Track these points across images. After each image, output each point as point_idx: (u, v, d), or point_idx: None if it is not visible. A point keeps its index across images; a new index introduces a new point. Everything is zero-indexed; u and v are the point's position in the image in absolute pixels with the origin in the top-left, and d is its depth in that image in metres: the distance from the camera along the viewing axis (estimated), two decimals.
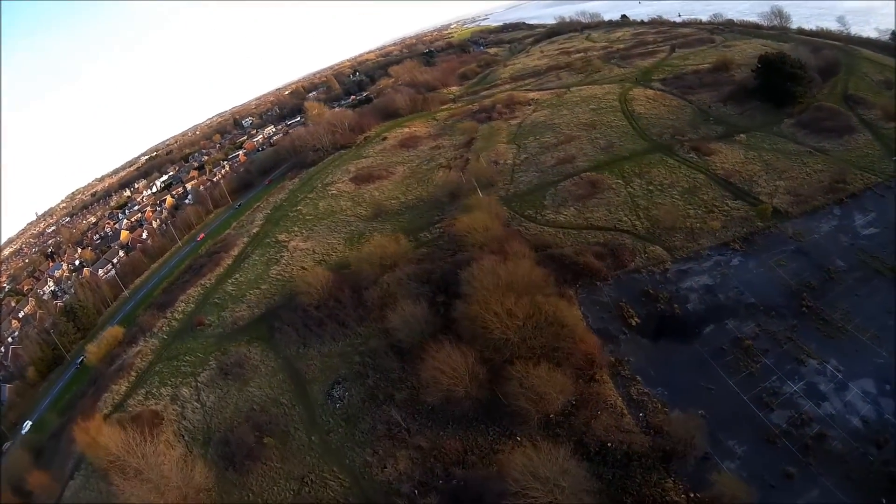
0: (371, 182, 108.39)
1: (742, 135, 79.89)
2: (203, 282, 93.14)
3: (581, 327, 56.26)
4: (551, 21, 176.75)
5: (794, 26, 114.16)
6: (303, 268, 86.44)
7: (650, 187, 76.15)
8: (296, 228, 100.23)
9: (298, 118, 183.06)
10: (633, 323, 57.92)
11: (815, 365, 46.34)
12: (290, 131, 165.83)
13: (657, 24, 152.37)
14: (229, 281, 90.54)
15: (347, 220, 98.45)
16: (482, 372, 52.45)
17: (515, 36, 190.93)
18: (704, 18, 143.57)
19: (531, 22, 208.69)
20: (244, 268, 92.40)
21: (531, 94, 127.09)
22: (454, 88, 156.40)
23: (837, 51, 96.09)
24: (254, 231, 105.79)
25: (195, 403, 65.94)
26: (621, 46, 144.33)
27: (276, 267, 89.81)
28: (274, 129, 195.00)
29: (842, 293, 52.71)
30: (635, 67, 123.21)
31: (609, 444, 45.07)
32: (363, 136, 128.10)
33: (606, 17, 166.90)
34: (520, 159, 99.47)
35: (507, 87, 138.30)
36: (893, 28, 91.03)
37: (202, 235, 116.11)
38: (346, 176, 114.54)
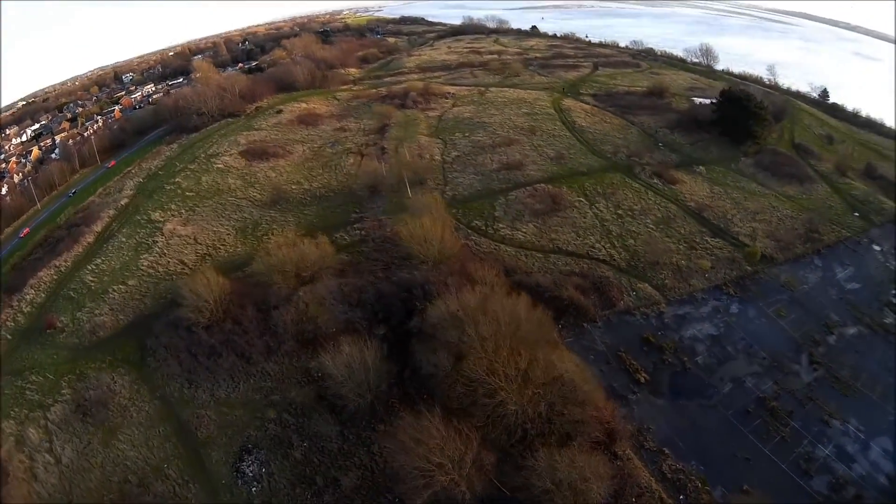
0: (265, 159, 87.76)
1: (701, 167, 77.09)
2: (58, 263, 69.54)
3: (592, 387, 44.51)
4: (453, 21, 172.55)
5: (720, 67, 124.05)
6: (182, 262, 63.69)
7: (619, 211, 67.99)
8: (173, 206, 76.80)
9: (182, 80, 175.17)
10: (642, 379, 48.62)
11: (839, 426, 44.64)
12: (173, 91, 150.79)
13: (571, 40, 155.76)
14: (89, 267, 67.40)
15: (238, 203, 76.59)
16: (490, 460, 36.62)
17: (415, 29, 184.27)
18: (622, 44, 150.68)
19: (430, 19, 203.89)
20: (108, 251, 70.32)
21: (448, 88, 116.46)
22: (354, 70, 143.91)
23: (781, 99, 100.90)
24: (122, 203, 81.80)
25: (47, 456, 45.47)
26: (538, 55, 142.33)
27: (147, 255, 67.60)
28: (154, 88, 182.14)
29: (844, 348, 52.57)
30: (558, 78, 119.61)
31: None
32: (255, 106, 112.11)
33: (514, 26, 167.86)
34: (450, 157, 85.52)
35: (416, 76, 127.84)
36: (824, 87, 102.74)
37: (26, 231, 79.85)
38: (234, 148, 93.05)
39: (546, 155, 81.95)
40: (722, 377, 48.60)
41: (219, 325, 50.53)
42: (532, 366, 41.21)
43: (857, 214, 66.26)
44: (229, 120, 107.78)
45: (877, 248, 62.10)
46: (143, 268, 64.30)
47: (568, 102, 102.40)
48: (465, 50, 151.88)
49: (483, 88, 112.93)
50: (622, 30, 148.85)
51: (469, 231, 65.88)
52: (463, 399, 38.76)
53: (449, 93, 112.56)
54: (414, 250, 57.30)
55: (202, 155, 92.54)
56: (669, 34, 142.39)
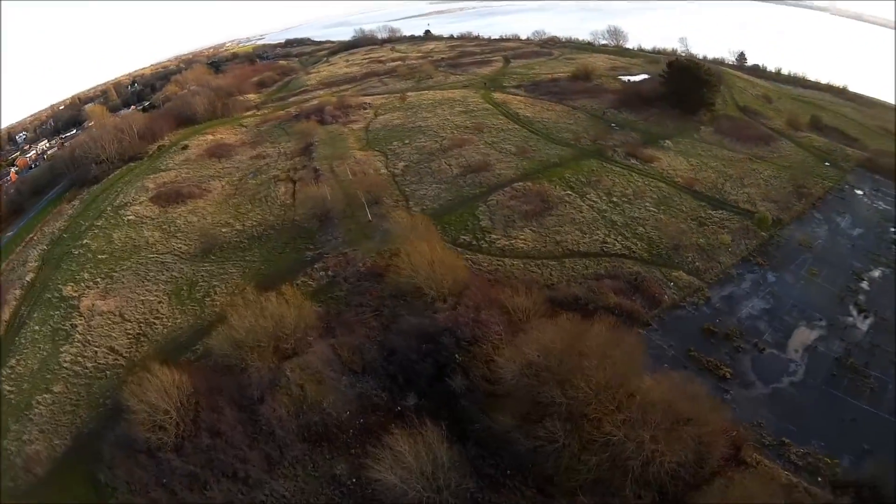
0: (181, 202, 73.89)
1: (667, 141, 75.46)
2: None
3: (706, 399, 38.18)
4: (340, 37, 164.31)
5: (630, 45, 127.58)
6: (112, 350, 48.53)
7: (614, 199, 63.05)
8: (86, 275, 62.66)
9: (76, 130, 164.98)
10: (727, 375, 43.28)
11: None
12: (67, 144, 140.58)
13: (471, 38, 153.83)
14: (3, 372, 50.63)
15: (162, 260, 61.87)
16: None
17: (304, 50, 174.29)
18: (523, 36, 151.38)
19: (316, 38, 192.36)
20: (22, 345, 54.22)
21: (363, 98, 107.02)
22: (252, 95, 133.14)
23: (714, 67, 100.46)
24: (27, 279, 65.95)
25: None
26: (444, 56, 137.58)
27: (67, 347, 52.01)
28: (48, 144, 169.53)
29: (878, 291, 51.70)
30: (474, 75, 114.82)
31: None
32: (157, 145, 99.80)
33: (407, 33, 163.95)
34: (397, 168, 75.78)
35: (322, 92, 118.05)
36: (741, 51, 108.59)
37: None
38: (143, 195, 78.22)
39: (507, 151, 75.60)
40: (795, 349, 46.12)
41: (192, 440, 36.22)
42: (648, 401, 33.98)
43: (828, 164, 68.89)
44: (132, 164, 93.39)
45: (859, 192, 64.51)
46: (65, 365, 48.43)
47: (499, 96, 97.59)
48: (366, 61, 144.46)
49: (401, 94, 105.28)
50: (509, 26, 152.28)
51: (458, 249, 56.90)
52: (596, 469, 29.94)
53: (366, 103, 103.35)
54: (418, 285, 46.98)
55: (108, 208, 76.63)
56: (562, 24, 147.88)
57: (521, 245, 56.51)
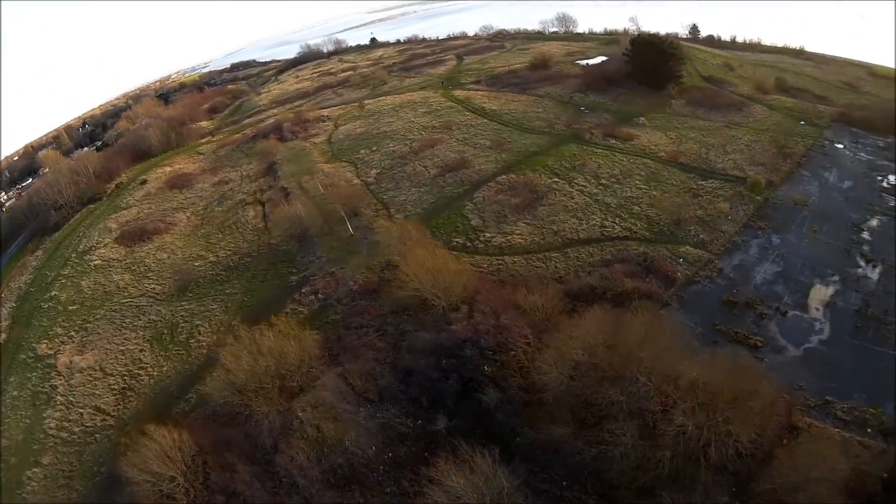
0: (147, 240, 68.62)
1: (641, 118, 74.71)
2: None
3: (757, 370, 36.22)
4: (283, 56, 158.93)
5: (581, 30, 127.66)
6: (99, 410, 43.47)
7: (603, 182, 61.12)
8: (59, 330, 56.86)
9: (31, 179, 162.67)
10: (758, 343, 41.70)
11: None
12: (24, 193, 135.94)
13: (418, 41, 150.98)
14: None
15: (136, 304, 56.60)
16: None
17: (250, 72, 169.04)
18: (471, 33, 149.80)
19: (261, 59, 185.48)
20: (3, 414, 48.54)
21: (320, 112, 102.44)
22: (205, 122, 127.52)
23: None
24: None
25: None
26: (395, 61, 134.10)
27: (51, 412, 46.42)
28: (6, 196, 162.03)
29: (879, 239, 51.96)
30: (429, 76, 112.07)
31: None
32: (115, 184, 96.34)
33: (352, 44, 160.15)
34: (370, 177, 71.85)
35: (275, 110, 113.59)
36: (694, 24, 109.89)
37: None
38: (107, 236, 72.81)
39: (482, 146, 72.85)
40: (816, 307, 45.52)
41: None
42: (709, 384, 31.60)
43: (803, 123, 69.49)
44: (91, 206, 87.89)
45: (840, 146, 65.34)
46: (51, 432, 43.19)
47: (461, 93, 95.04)
48: (316, 75, 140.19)
49: (359, 103, 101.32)
50: (454, 25, 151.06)
51: (453, 252, 53.48)
52: (670, 463, 27.07)
53: (325, 116, 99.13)
54: (423, 296, 43.20)
55: (73, 255, 70.73)
56: (508, 17, 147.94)
57: (519, 240, 53.68)
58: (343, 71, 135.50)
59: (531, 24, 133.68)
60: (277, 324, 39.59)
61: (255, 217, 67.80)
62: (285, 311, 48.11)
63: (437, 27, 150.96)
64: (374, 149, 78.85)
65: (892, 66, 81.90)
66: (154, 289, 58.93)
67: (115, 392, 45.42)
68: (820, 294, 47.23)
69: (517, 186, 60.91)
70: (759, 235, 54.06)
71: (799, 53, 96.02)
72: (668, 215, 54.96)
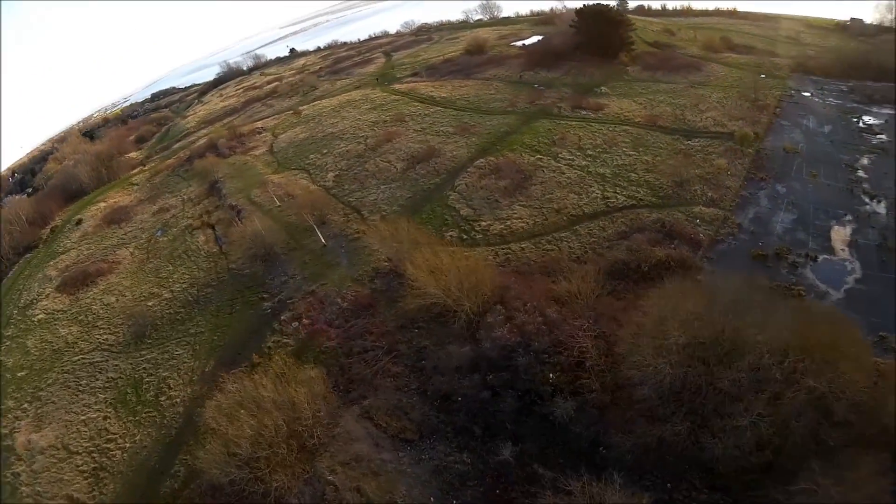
0: (91, 283, 58.26)
1: (602, 87, 70.74)
2: None
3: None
4: (203, 80, 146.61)
5: (506, 14, 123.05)
6: (72, 499, 33.75)
7: (590, 153, 55.56)
8: (11, 403, 45.72)
9: None
10: (800, 293, 37.93)
11: None
12: None
13: (339, 45, 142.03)
14: None
15: (90, 360, 45.77)
16: None
17: (172, 99, 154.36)
18: (392, 31, 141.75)
19: (181, 86, 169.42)
20: None
21: (255, 124, 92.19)
22: (134, 154, 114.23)
23: None
24: None
25: None
26: (321, 67, 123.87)
27: None
28: None
29: (876, 175, 50.58)
30: (361, 75, 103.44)
31: None
32: (49, 228, 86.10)
33: (272, 57, 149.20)
34: (328, 181, 62.55)
35: (205, 130, 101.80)
36: None
37: None
38: (48, 286, 61.17)
39: (445, 133, 65.64)
40: (842, 248, 43.25)
41: None
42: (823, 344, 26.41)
43: (763, 76, 68.60)
44: (28, 256, 74.93)
45: (807, 94, 64.84)
46: None
47: (401, 87, 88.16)
48: (240, 91, 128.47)
49: (293, 110, 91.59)
50: (371, 28, 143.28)
51: (451, 248, 46.73)
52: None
53: (260, 128, 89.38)
54: (437, 302, 35.16)
55: (14, 311, 58.61)
56: (427, 12, 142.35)
57: (521, 224, 47.14)
58: (268, 83, 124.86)
59: (452, 15, 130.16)
60: (271, 365, 30.38)
61: (206, 242, 57.49)
62: (267, 345, 38.80)
63: (352, 33, 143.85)
64: (325, 152, 69.80)
65: (825, 16, 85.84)
66: (107, 339, 47.92)
67: (85, 474, 34.83)
68: (841, 235, 45.45)
69: (500, 168, 54.48)
70: (764, 186, 51.33)
71: (732, 14, 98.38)
72: (667, 178, 50.77)
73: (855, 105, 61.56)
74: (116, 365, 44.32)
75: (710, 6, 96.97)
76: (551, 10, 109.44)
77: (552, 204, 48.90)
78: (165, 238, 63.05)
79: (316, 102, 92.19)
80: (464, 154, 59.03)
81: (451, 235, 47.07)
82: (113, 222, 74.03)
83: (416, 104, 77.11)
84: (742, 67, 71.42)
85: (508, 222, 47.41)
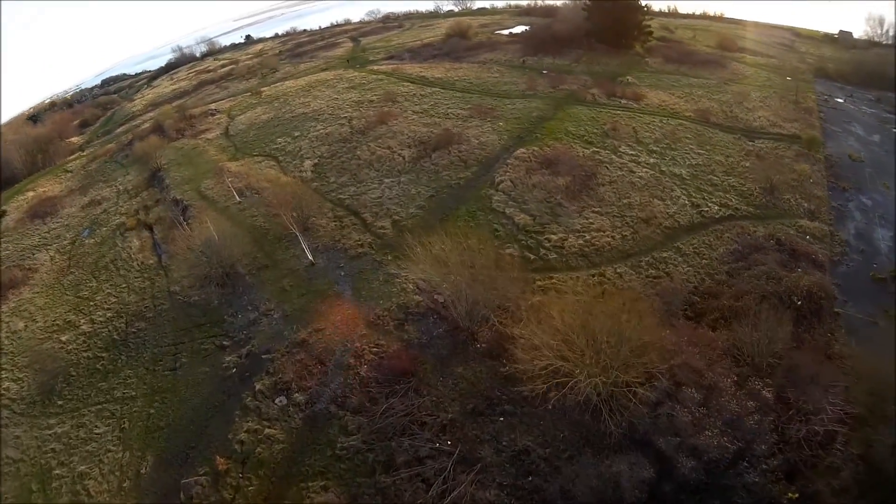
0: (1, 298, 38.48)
1: (628, 77, 59.63)
2: None
3: None
4: (154, 68, 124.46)
5: (481, 5, 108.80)
6: None
7: (653, 148, 43.52)
8: None
9: None
10: None
11: None
12: None
13: (298, 32, 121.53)
14: None
15: None
16: None
17: (122, 85, 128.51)
18: (355, 19, 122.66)
19: (131, 72, 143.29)
20: None
21: (209, 106, 71.07)
22: (76, 138, 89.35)
23: None
24: None
25: None
26: (280, 50, 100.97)
27: None
28: None
29: None
30: (327, 59, 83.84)
31: None
32: None
33: (227, 43, 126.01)
34: (305, 171, 45.23)
35: (151, 114, 78.99)
36: None
37: None
38: None
39: (460, 115, 51.27)
40: None
41: None
42: None
43: (789, 79, 61.95)
44: None
45: (840, 100, 58.67)
46: None
47: (383, 67, 71.69)
48: (192, 74, 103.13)
49: (252, 91, 71.95)
50: (327, 20, 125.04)
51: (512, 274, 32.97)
52: None
53: (213, 109, 68.82)
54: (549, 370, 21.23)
55: None
56: (392, 6, 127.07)
57: (606, 240, 34.55)
58: (222, 67, 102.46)
59: (420, 6, 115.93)
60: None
61: (141, 249, 39.70)
62: (238, 437, 22.99)
63: (311, 23, 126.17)
64: (297, 135, 52.67)
65: (807, 27, 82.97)
66: (9, 389, 30.20)
67: None
68: None
69: (552, 161, 41.45)
70: (851, 196, 43.32)
71: (719, 19, 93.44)
72: (753, 184, 41.21)
73: (888, 115, 56.79)
74: (17, 437, 26.97)
75: (692, 7, 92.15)
76: (534, 2, 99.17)
77: (635, 211, 37.11)
78: (92, 241, 43.88)
79: (279, 84, 72.91)
80: (495, 141, 45.33)
81: (510, 253, 33.45)
82: (37, 216, 53.63)
83: (407, 84, 61.67)
84: (764, 68, 64.96)
85: (587, 235, 34.79)
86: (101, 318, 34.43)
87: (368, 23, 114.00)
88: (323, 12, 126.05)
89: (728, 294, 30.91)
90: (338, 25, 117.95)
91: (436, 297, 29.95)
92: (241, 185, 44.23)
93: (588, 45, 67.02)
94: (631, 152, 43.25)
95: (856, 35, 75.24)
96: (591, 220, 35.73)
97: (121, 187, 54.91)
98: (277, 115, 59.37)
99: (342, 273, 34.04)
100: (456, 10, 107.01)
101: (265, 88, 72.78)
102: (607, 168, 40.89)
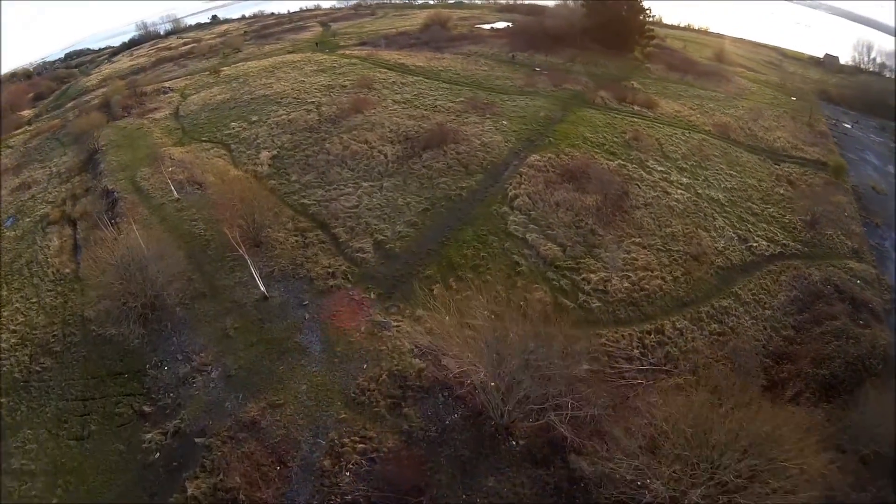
0: None
1: (632, 82, 53.57)
2: None
3: None
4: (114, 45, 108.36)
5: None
6: None
7: (683, 166, 36.62)
8: None
9: None
10: None
11: None
12: None
13: (265, 16, 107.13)
14: None
15: None
16: None
17: (83, 60, 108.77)
18: (326, 5, 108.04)
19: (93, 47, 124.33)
20: None
21: (163, 84, 58.97)
22: (27, 112, 74.16)
23: None
24: None
25: None
26: (246, 31, 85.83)
27: None
28: None
29: None
30: (294, 41, 71.76)
31: None
32: None
33: (191, 23, 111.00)
34: (261, 164, 35.00)
35: (104, 89, 64.54)
36: None
37: None
38: None
39: (453, 109, 42.39)
40: None
41: None
42: None
43: (794, 98, 57.95)
44: None
45: (847, 125, 54.77)
46: None
47: (356, 52, 60.13)
48: (153, 52, 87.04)
49: (211, 69, 59.84)
50: (295, 6, 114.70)
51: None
52: None
53: (166, 87, 57.25)
54: None
55: None
56: None
57: (656, 281, 27.12)
58: (184, 45, 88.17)
59: None
60: None
61: (60, 251, 29.75)
62: None
63: (279, 7, 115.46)
64: (255, 119, 42.21)
65: (791, 48, 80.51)
66: None
67: None
68: None
69: (575, 174, 33.81)
70: (884, 234, 39.09)
71: (704, 32, 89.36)
72: (795, 215, 35.88)
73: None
74: None
75: (679, 16, 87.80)
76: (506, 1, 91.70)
77: (680, 244, 30.20)
78: (13, 233, 33.48)
79: (241, 64, 61.37)
80: (500, 143, 37.14)
81: (540, 297, 25.29)
82: None
83: (384, 71, 52.21)
84: (766, 85, 60.80)
85: (633, 275, 27.41)
86: (4, 345, 24.35)
87: (339, 9, 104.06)
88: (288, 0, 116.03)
89: (805, 357, 25.27)
90: (307, 10, 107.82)
91: (444, 362, 21.62)
92: (183, 177, 34.34)
93: (582, 44, 60.57)
94: (660, 168, 36.70)
95: (842, 60, 74.36)
96: (633, 255, 28.51)
97: (54, 169, 43.07)
98: (234, 97, 48.74)
99: (306, 315, 24.73)
100: (431, 1, 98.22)
101: (225, 68, 61.26)
102: (639, 186, 34.02)
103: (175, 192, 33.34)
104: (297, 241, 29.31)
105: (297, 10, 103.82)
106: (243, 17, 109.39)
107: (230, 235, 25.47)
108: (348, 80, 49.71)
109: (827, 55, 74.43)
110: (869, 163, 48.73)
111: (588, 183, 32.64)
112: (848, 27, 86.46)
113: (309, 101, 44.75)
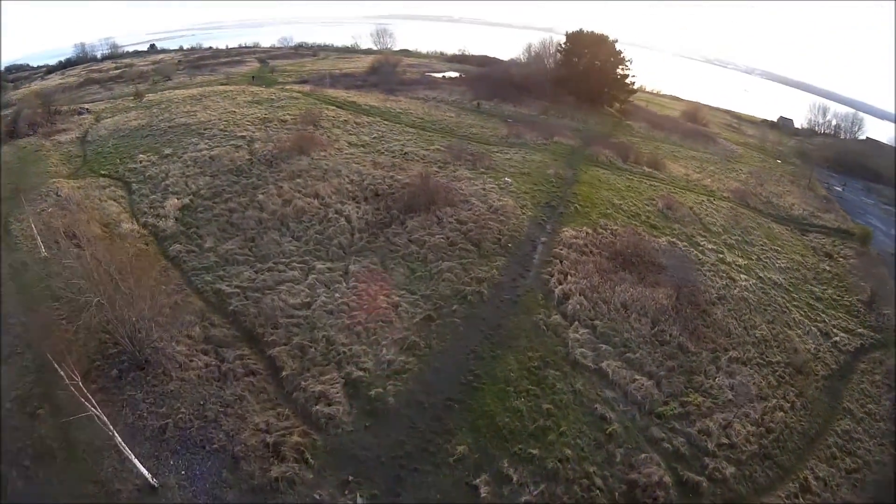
0: None
1: (620, 139, 48.20)
2: None
3: None
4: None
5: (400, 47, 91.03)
6: None
7: (728, 241, 30.58)
8: None
9: None
10: None
11: None
12: None
13: (201, 49, 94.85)
14: None
15: None
16: None
17: (21, 76, 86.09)
18: (264, 44, 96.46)
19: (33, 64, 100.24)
20: None
21: (82, 105, 47.37)
22: None
23: None
24: None
25: None
26: (179, 60, 75.68)
27: None
28: None
29: None
30: (229, 74, 62.42)
31: None
32: None
33: (129, 49, 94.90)
34: (166, 217, 24.47)
35: (13, 109, 45.50)
36: None
37: None
38: None
39: (431, 157, 33.86)
40: None
41: None
42: None
43: (779, 161, 55.94)
44: None
45: (838, 188, 52.44)
46: None
47: (295, 87, 51.47)
48: (83, 72, 71.06)
49: (134, 94, 47.80)
50: (236, 42, 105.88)
51: None
52: None
53: (84, 108, 45.98)
54: None
55: None
56: (304, 33, 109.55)
57: (778, 413, 19.08)
58: (116, 69, 74.82)
59: (336, 40, 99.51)
60: None
61: None
62: None
63: (216, 44, 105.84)
64: (168, 152, 31.95)
65: (737, 110, 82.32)
66: None
67: None
68: None
69: (627, 258, 25.76)
70: None
71: (658, 94, 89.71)
72: (851, 294, 30.74)
73: (888, 208, 53.17)
74: None
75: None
76: (461, 51, 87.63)
77: (776, 352, 22.91)
78: None
79: (168, 92, 51.09)
80: (514, 208, 28.59)
81: (660, 479, 15.34)
82: None
83: (333, 108, 43.46)
84: (748, 147, 58.87)
85: (751, 411, 18.92)
86: None
87: (279, 48, 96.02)
88: (234, 37, 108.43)
89: None
90: (245, 48, 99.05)
91: None
92: (61, 223, 22.61)
93: (553, 96, 56.49)
94: (710, 246, 30.30)
95: (796, 123, 76.90)
96: (738, 377, 21.05)
97: None
98: (150, 123, 39.18)
99: None
100: (375, 48, 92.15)
101: (150, 95, 50.30)
102: (701, 272, 27.51)
103: (42, 249, 21.96)
104: (207, 364, 17.86)
105: (236, 45, 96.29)
106: (181, 49, 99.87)
107: (64, 372, 13.69)
108: (289, 113, 40.98)
109: (781, 118, 77.17)
110: (875, 227, 47.58)
111: (646, 269, 25.80)
112: (783, 91, 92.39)
113: (238, 134, 35.45)
